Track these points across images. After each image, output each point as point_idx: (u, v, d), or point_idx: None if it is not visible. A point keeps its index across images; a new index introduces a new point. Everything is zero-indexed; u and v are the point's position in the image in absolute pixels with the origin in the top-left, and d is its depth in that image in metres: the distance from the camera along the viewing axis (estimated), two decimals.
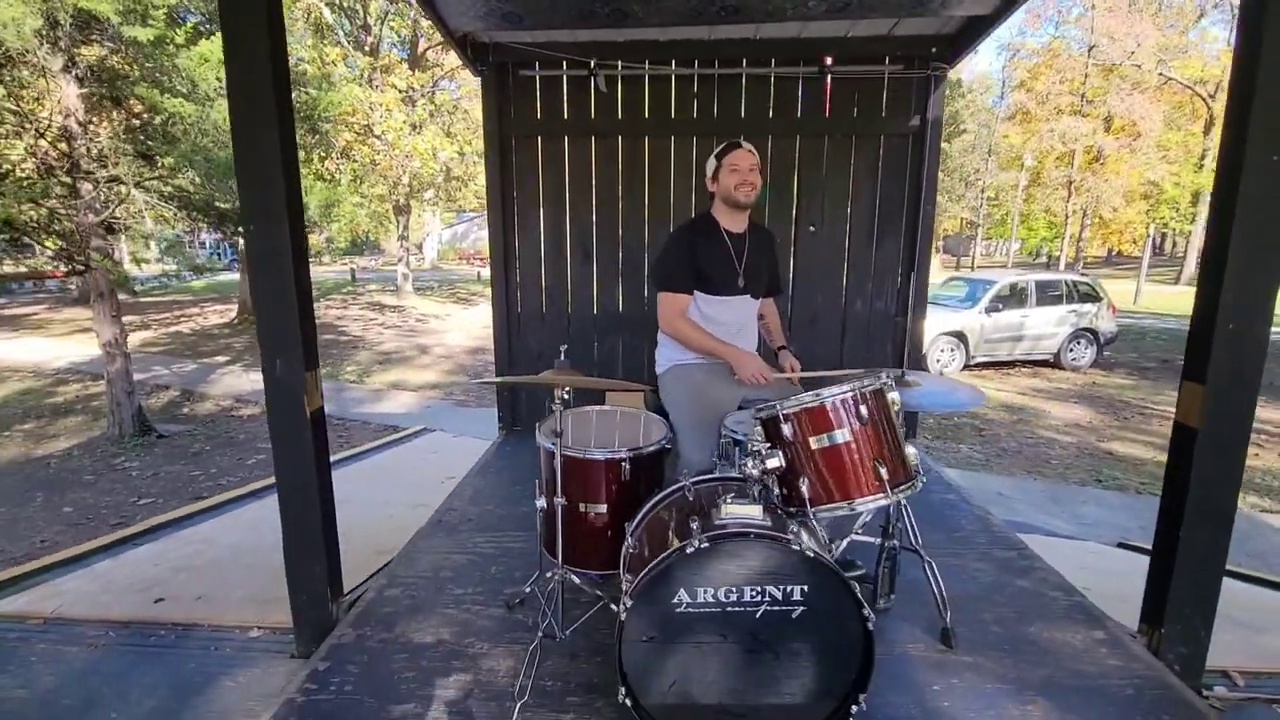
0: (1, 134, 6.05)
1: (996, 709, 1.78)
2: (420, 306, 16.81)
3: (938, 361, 9.81)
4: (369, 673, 1.91)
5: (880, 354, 4.00)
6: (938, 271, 27.44)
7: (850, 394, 1.61)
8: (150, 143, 6.18)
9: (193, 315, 15.26)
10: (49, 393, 8.24)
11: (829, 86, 3.70)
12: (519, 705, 1.73)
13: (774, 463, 1.60)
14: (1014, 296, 10.11)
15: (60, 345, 11.18)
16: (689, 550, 1.48)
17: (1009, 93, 30.45)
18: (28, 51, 5.46)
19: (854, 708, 1.55)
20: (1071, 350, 10.19)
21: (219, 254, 19.53)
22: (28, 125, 5.86)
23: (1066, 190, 25.10)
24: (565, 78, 3.71)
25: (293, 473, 2.11)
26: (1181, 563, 1.99)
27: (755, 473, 1.60)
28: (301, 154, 9.21)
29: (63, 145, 6.03)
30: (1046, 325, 10.04)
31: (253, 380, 9.67)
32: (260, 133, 1.92)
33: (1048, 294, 10.19)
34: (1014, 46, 28.50)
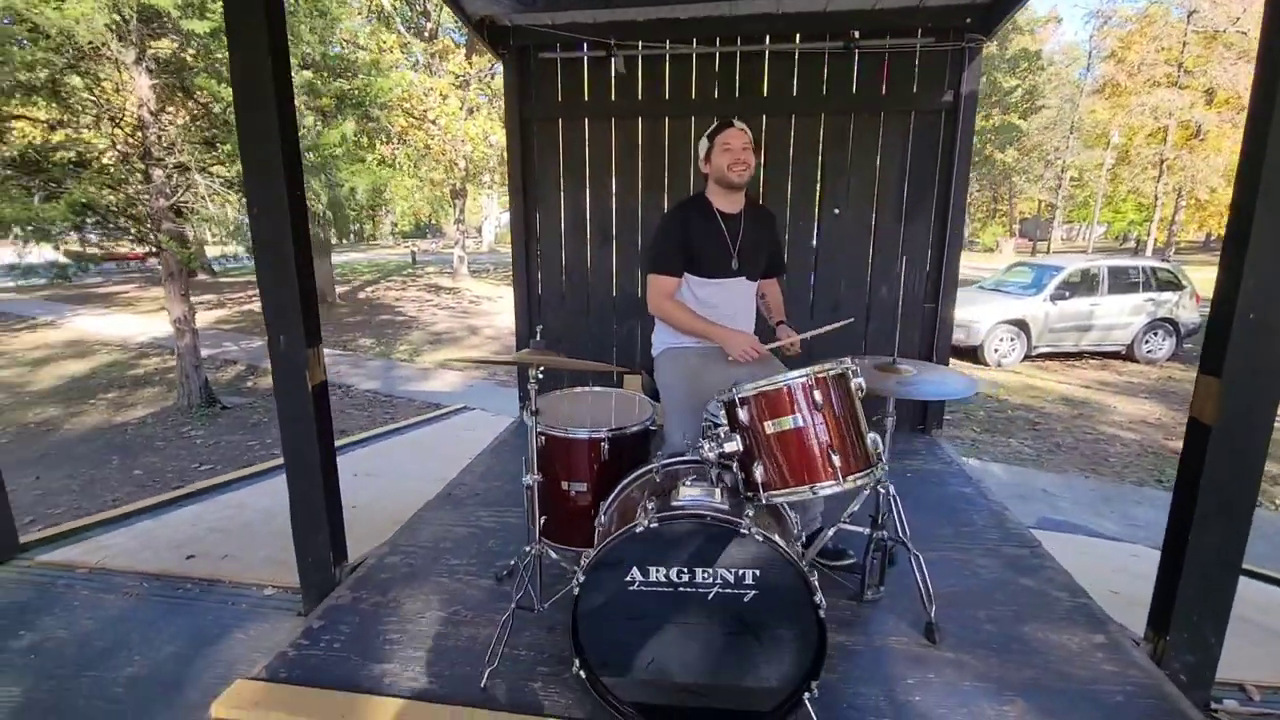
0: (84, 123, 6.55)
1: (970, 707, 1.72)
2: (474, 288, 17.24)
3: (995, 351, 9.37)
4: (358, 633, 2.03)
5: (907, 341, 3.85)
6: (1009, 256, 26.07)
7: (806, 379, 1.58)
8: (215, 130, 6.57)
9: None
10: (131, 365, 8.94)
11: (855, 62, 3.57)
12: (488, 671, 1.80)
13: (731, 446, 1.59)
14: (1084, 284, 9.50)
15: (146, 321, 12.06)
16: (638, 530, 1.50)
17: (1096, 64, 28.30)
18: (103, 45, 5.86)
19: (807, 695, 1.53)
20: (1147, 342, 9.53)
21: None
22: (103, 114, 6.30)
23: (1157, 169, 23.28)
24: (585, 59, 3.71)
25: (296, 444, 2.24)
26: (1190, 567, 1.86)
27: (712, 456, 1.60)
28: (364, 139, 9.57)
29: (137, 134, 6.47)
30: (1119, 315, 9.41)
31: None
32: (261, 126, 2.01)
33: (1122, 281, 9.52)
34: (1104, 14, 26.42)
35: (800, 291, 3.89)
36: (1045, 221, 35.06)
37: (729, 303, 2.35)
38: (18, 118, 6.42)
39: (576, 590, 1.55)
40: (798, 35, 3.55)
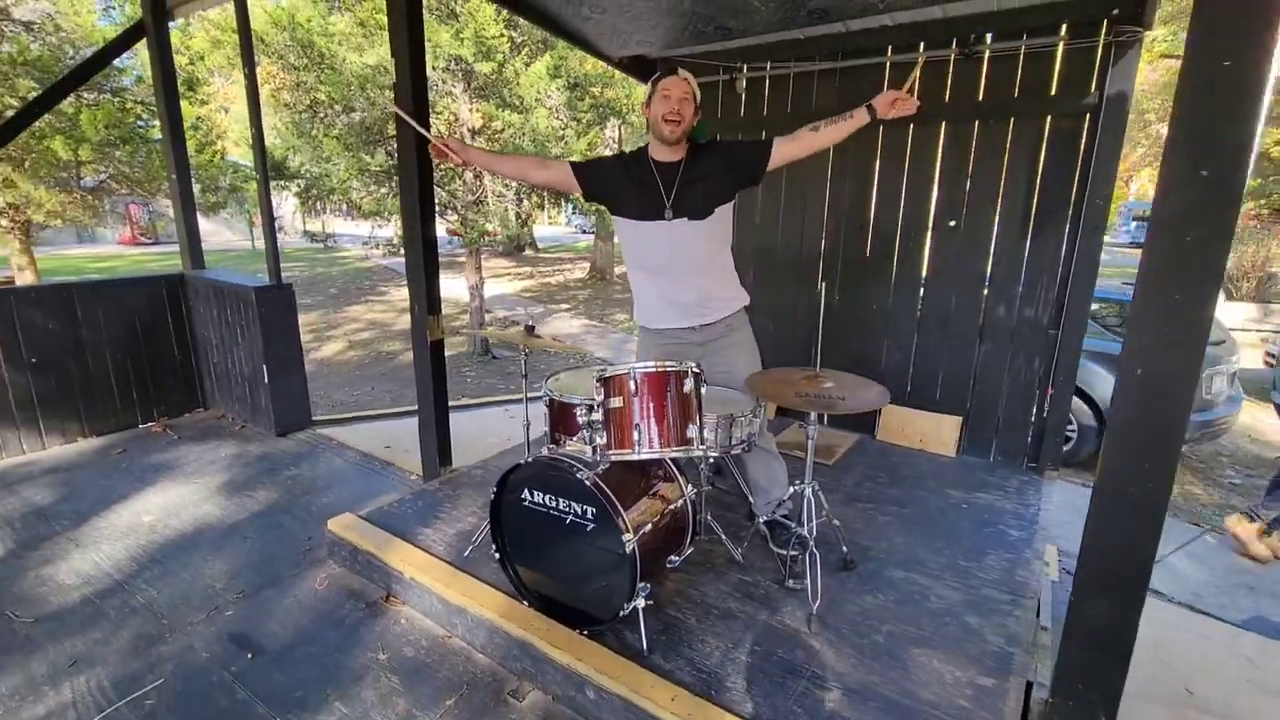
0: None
1: (787, 680, 1.95)
2: None
3: None
4: (425, 508, 3.01)
5: (1026, 370, 3.50)
6: None
7: (628, 371, 1.98)
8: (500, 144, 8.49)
9: (564, 271, 19.35)
10: (453, 319, 11.89)
11: (984, 67, 3.36)
12: (471, 548, 2.60)
13: (595, 414, 2.08)
14: None
15: None
16: (521, 463, 2.13)
17: None
18: (441, 82, 8.06)
19: (621, 612, 2.00)
20: None
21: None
22: (445, 133, 8.60)
23: None
24: (720, 82, 4.14)
25: (421, 380, 3.31)
26: (1077, 630, 1.76)
27: (583, 420, 2.11)
28: (622, 145, 11.07)
29: None
30: None
31: (573, 325, 12.20)
32: (406, 155, 3.04)
33: None
34: None
35: (907, 305, 3.80)
36: None
37: (665, 245, 2.38)
38: (392, 136, 9.15)
39: (491, 496, 2.24)
40: (921, 44, 3.48)
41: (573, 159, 2.59)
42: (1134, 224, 25.05)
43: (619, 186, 2.42)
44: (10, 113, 7.19)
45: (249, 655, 2.22)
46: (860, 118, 2.33)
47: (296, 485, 3.58)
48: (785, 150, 2.38)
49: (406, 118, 2.73)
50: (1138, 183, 28.55)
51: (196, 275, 4.43)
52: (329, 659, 2.21)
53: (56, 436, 3.96)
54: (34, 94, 7.50)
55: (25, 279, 9.74)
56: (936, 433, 3.78)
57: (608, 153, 14.62)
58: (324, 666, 2.17)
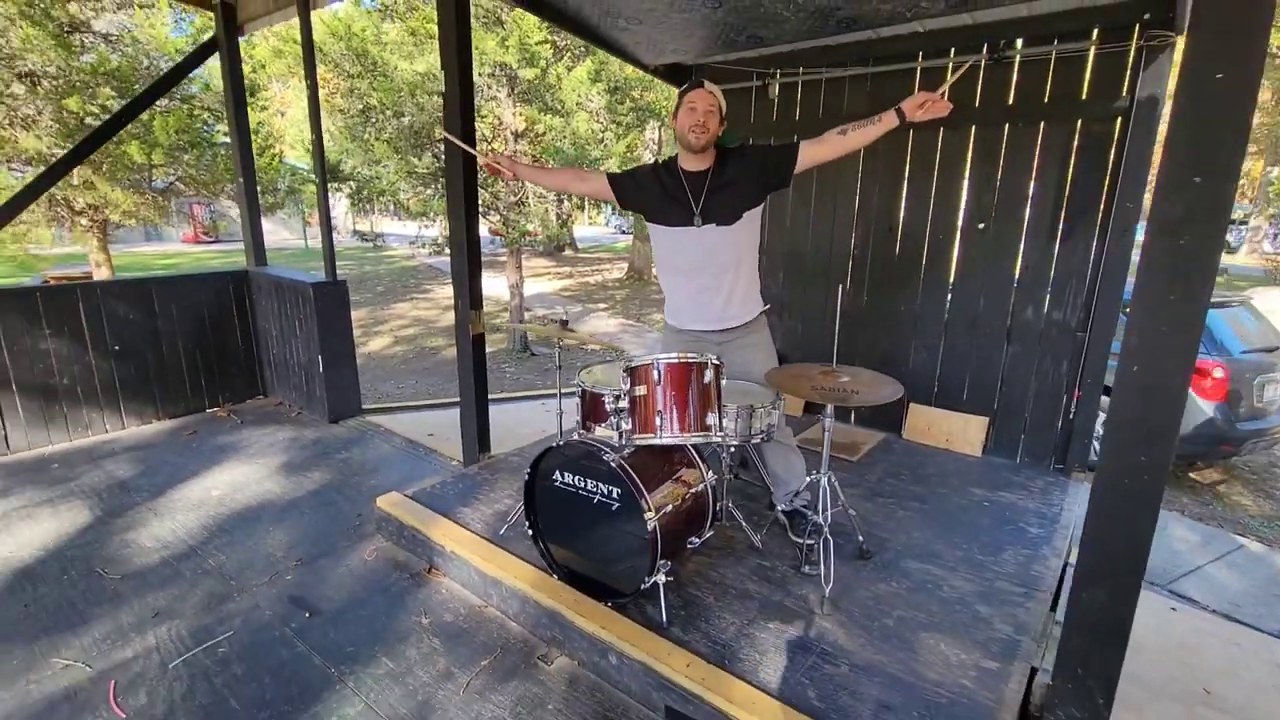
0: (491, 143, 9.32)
1: (796, 655, 2.07)
2: None
3: None
4: (463, 490, 3.21)
5: (1053, 372, 3.52)
6: None
7: (652, 362, 2.13)
8: (539, 147, 8.74)
9: (604, 270, 19.60)
10: (493, 316, 12.23)
11: (1015, 71, 3.39)
12: (505, 527, 2.79)
13: (622, 402, 2.24)
14: None
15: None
16: (552, 446, 2.30)
17: None
18: (487, 87, 8.34)
19: (642, 585, 2.15)
20: None
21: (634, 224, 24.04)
22: (490, 136, 8.90)
23: None
24: (753, 89, 4.25)
25: (464, 372, 3.53)
26: (1080, 616, 1.84)
27: (610, 407, 2.27)
28: (661, 147, 11.20)
29: (505, 148, 8.99)
30: None
31: (610, 324, 12.40)
32: (453, 163, 3.25)
33: None
34: None
35: (935, 307, 3.85)
36: None
37: (696, 250, 2.50)
38: (439, 140, 9.50)
39: (526, 478, 2.42)
40: (952, 50, 3.53)
41: (610, 170, 2.76)
42: None
43: (651, 196, 2.56)
44: (91, 120, 7.77)
45: (307, 615, 2.45)
46: (889, 121, 2.38)
47: (347, 467, 3.84)
48: (811, 153, 2.45)
49: (457, 141, 3.03)
50: None
51: (259, 272, 4.76)
52: (377, 621, 2.42)
53: (135, 418, 4.32)
54: (112, 102, 8.06)
55: (102, 274, 10.43)
56: (963, 433, 3.82)
57: (647, 155, 14.93)
58: (373, 627, 2.38)
